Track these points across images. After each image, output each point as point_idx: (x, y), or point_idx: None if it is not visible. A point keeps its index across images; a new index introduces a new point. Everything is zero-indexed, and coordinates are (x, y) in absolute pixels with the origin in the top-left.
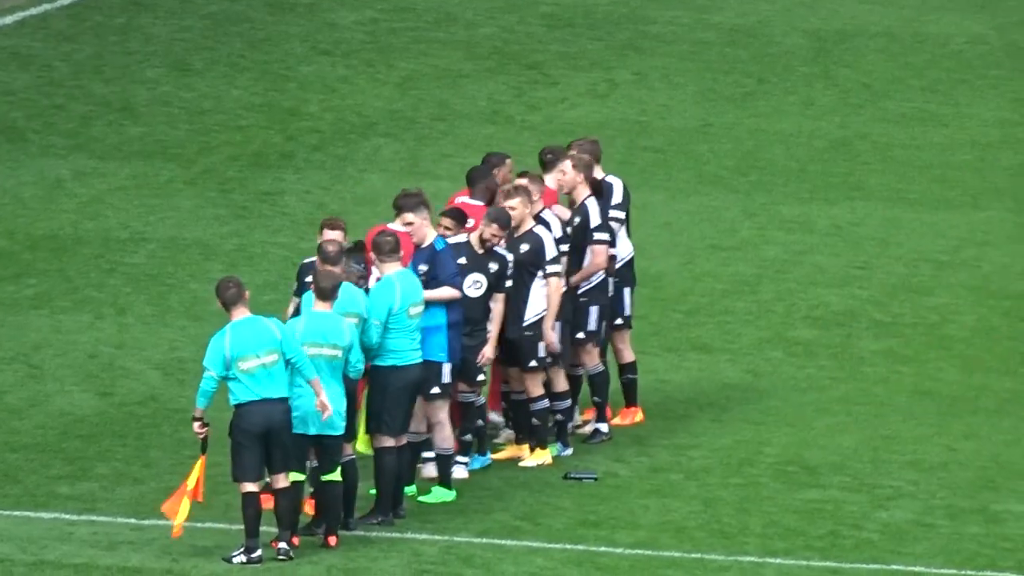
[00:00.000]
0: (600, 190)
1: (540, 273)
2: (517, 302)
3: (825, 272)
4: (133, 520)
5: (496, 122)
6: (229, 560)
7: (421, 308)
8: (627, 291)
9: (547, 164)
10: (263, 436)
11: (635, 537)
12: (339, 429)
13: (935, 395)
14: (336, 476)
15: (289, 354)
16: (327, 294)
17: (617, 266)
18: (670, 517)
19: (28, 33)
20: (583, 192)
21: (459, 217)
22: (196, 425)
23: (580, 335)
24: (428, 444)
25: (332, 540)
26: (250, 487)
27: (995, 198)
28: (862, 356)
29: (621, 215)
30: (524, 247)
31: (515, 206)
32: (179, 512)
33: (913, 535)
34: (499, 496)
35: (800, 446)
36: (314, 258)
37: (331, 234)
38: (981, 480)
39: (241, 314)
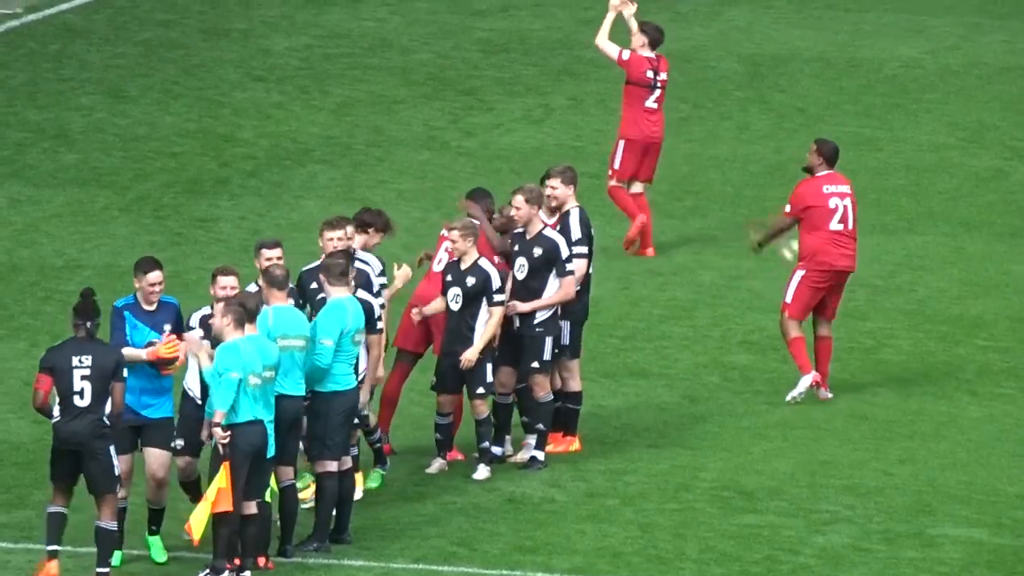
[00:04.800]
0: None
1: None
2: (465, 327)
3: (761, 297)
4: (70, 548)
5: (432, 148)
6: None
7: (364, 336)
8: (566, 324)
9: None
10: (254, 458)
11: (572, 563)
12: (272, 450)
13: (871, 419)
14: (266, 497)
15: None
16: (254, 316)
17: None
18: (607, 542)
19: None
20: (537, 225)
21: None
22: (219, 431)
23: (535, 364)
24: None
25: (261, 560)
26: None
27: (930, 223)
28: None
29: (583, 249)
30: (471, 279)
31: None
32: (200, 524)
33: (850, 560)
34: (435, 522)
35: (737, 471)
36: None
37: (224, 280)
38: (917, 504)
39: (250, 330)
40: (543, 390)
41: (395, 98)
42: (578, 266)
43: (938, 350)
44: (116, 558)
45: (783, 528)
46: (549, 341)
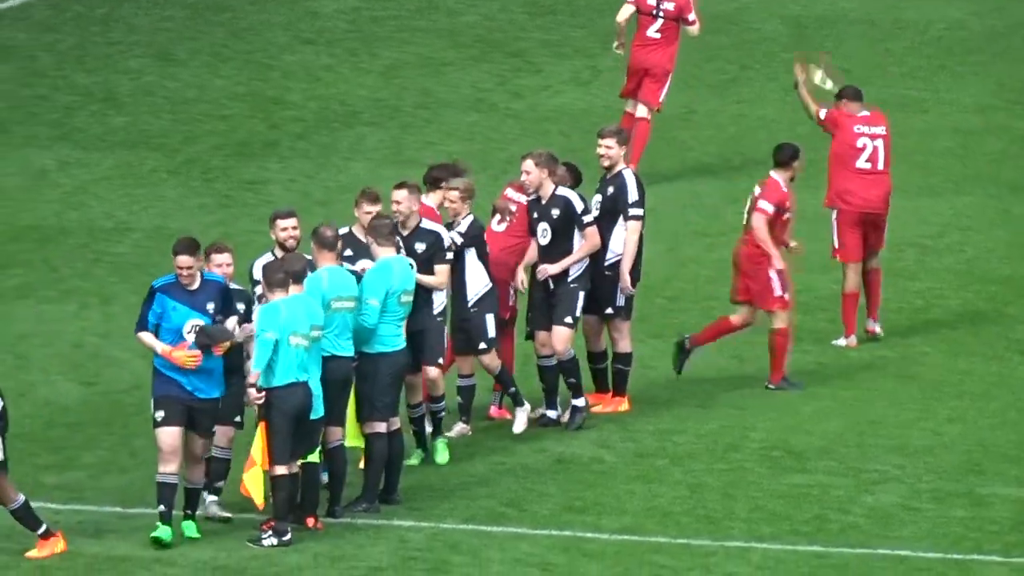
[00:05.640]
0: (579, 179)
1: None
2: (459, 284)
3: (810, 257)
4: (119, 509)
5: (480, 110)
6: (258, 542)
7: (411, 297)
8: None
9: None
10: (296, 419)
11: (621, 523)
12: (321, 411)
13: (920, 379)
14: (315, 457)
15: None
16: (300, 277)
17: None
18: (656, 503)
19: (9, 24)
20: (549, 187)
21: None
22: (253, 392)
23: (568, 320)
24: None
25: (310, 521)
26: (282, 470)
27: (977, 184)
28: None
29: (639, 212)
30: (460, 240)
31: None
32: (259, 487)
33: (899, 519)
34: (485, 482)
35: (785, 431)
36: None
37: (219, 258)
38: (967, 464)
39: (296, 290)
40: (563, 346)
41: (443, 60)
42: (634, 227)
43: (987, 310)
44: (166, 532)
45: (832, 488)
46: (582, 296)
